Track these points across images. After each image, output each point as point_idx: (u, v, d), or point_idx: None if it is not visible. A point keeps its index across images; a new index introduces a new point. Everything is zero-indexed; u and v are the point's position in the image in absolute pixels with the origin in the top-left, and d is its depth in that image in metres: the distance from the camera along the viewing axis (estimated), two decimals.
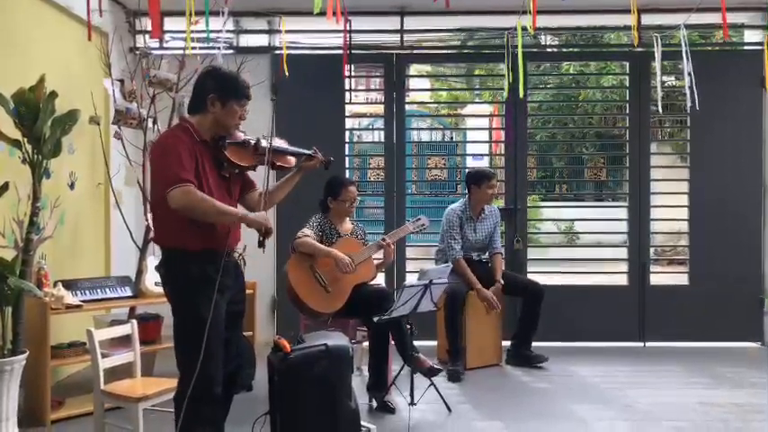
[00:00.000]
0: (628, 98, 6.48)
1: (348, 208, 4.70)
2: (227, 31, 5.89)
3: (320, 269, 4.48)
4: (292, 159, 3.34)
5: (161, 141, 3.11)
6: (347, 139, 6.53)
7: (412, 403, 4.15)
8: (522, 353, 5.51)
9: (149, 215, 4.67)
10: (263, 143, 3.17)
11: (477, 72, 11.84)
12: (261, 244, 3.02)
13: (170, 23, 6.10)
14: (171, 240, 3.02)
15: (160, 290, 3.95)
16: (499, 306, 5.38)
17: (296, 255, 4.51)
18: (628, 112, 6.44)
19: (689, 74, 5.10)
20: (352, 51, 6.03)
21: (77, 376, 5.04)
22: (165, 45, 6.21)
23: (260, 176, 3.23)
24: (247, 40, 6.54)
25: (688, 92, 5.12)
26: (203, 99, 3.05)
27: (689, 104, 5.18)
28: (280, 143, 3.31)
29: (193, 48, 4.94)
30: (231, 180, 3.16)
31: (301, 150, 3.38)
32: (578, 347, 6.02)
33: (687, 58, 5.11)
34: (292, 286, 4.42)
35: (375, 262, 4.85)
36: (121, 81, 5.09)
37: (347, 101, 6.43)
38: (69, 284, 4.38)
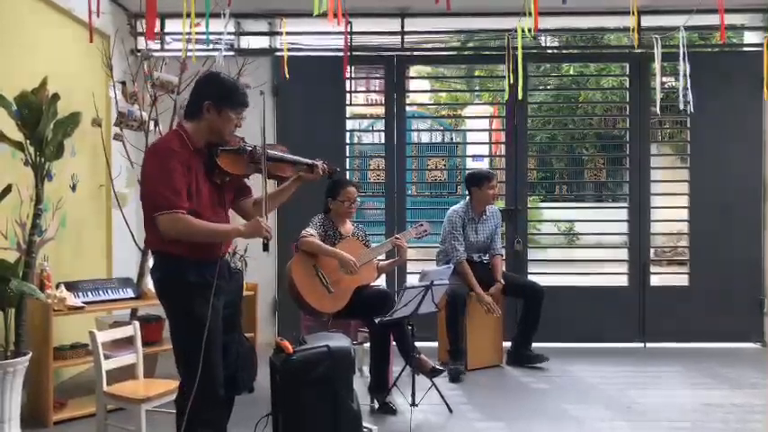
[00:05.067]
0: (628, 99, 6.49)
1: (347, 208, 4.71)
2: (228, 33, 5.89)
3: (324, 269, 4.49)
4: (290, 169, 3.26)
5: (154, 151, 3.02)
6: (348, 141, 6.55)
7: (413, 404, 4.16)
8: (523, 353, 5.52)
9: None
10: (259, 150, 3.07)
11: (477, 73, 11.85)
12: (265, 247, 3.00)
13: (171, 25, 6.12)
14: (160, 245, 2.98)
15: None
16: (499, 311, 5.39)
17: (300, 254, 4.53)
18: (628, 113, 6.45)
19: (685, 75, 5.12)
20: (353, 53, 6.04)
21: (80, 378, 5.05)
22: (166, 47, 6.22)
23: (256, 183, 3.17)
24: (248, 42, 6.54)
25: (681, 93, 5.14)
26: (199, 105, 2.99)
27: (681, 106, 5.21)
28: (279, 152, 3.25)
29: (194, 50, 4.96)
30: (224, 187, 3.10)
31: (302, 160, 3.28)
32: (579, 348, 6.03)
33: (685, 60, 5.13)
34: (295, 284, 4.44)
35: (386, 262, 4.87)
36: (123, 83, 5.11)
37: (348, 102, 6.44)
38: (71, 286, 4.39)
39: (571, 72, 11.21)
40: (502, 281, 5.50)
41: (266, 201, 3.08)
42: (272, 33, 6.44)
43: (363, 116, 11.93)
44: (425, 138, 12.51)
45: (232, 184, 3.16)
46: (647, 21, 5.96)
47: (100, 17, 4.64)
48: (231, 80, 3.12)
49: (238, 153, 3.07)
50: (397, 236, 4.81)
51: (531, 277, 6.00)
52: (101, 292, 4.57)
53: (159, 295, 3.07)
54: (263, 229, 2.96)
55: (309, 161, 3.30)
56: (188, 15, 4.44)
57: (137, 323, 3.88)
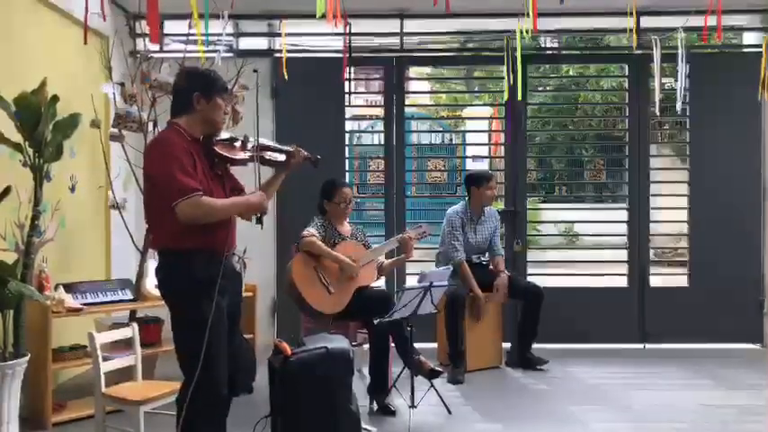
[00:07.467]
0: (627, 100, 6.50)
1: (344, 209, 4.72)
2: (227, 35, 5.89)
3: (324, 271, 4.49)
4: (280, 155, 3.34)
5: (156, 145, 3.06)
6: (347, 142, 6.55)
7: (412, 406, 4.16)
8: (523, 355, 5.52)
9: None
10: (251, 140, 3.22)
11: (476, 74, 11.84)
12: (259, 220, 3.11)
13: (170, 26, 6.11)
14: (170, 242, 3.00)
15: None
16: (479, 318, 5.38)
17: (301, 254, 4.53)
18: (627, 114, 6.45)
19: (684, 76, 5.13)
20: (353, 54, 6.04)
21: (79, 379, 5.04)
22: (165, 48, 6.21)
23: (249, 174, 3.24)
24: (247, 43, 6.54)
25: (679, 94, 5.15)
26: (188, 99, 3.05)
27: (679, 106, 5.21)
28: (265, 140, 3.34)
29: (193, 51, 4.96)
30: (224, 177, 3.17)
31: (284, 147, 3.38)
32: (578, 349, 6.02)
33: (683, 61, 5.13)
34: (295, 284, 4.44)
35: (389, 261, 4.87)
36: (122, 84, 5.10)
37: (347, 103, 6.44)
38: (70, 287, 4.39)
39: (570, 73, 11.19)
40: (506, 272, 5.51)
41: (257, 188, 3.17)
42: (271, 35, 6.44)
43: (363, 117, 11.92)
44: (425, 139, 12.50)
45: (230, 176, 3.24)
46: (646, 22, 5.96)
47: (98, 18, 4.64)
48: (209, 69, 3.27)
49: (232, 142, 3.19)
50: (409, 231, 4.74)
51: (530, 279, 5.99)
52: (99, 293, 4.58)
53: (163, 294, 3.08)
54: (266, 201, 3.12)
55: (289, 148, 3.38)
56: (190, 17, 4.43)
57: (135, 325, 3.88)
